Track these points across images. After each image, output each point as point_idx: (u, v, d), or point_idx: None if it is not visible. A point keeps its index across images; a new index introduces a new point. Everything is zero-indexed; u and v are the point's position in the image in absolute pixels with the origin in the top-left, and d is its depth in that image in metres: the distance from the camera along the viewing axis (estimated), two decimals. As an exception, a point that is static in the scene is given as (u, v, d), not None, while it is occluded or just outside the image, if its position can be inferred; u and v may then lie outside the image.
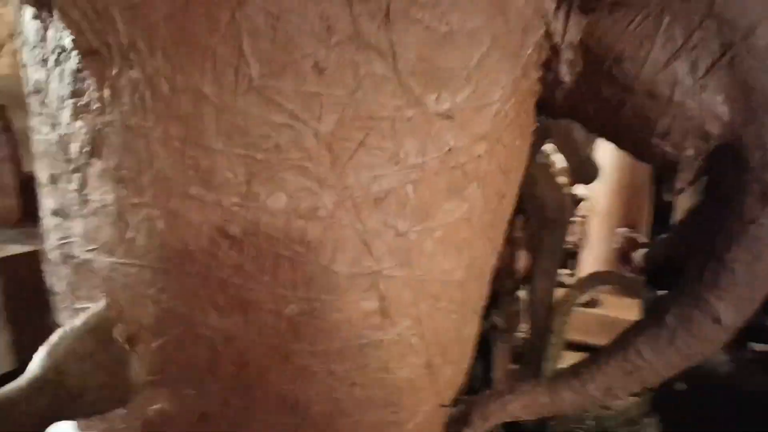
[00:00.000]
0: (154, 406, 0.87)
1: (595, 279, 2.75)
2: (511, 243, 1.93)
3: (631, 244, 3.27)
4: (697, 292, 0.85)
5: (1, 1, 1.84)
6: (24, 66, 0.92)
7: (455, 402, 1.05)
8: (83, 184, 0.84)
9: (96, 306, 0.82)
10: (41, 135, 0.92)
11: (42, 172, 0.95)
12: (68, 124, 0.82)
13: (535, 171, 1.73)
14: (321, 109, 0.71)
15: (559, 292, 2.13)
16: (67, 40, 0.75)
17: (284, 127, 0.71)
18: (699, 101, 0.79)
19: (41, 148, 0.93)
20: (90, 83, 0.77)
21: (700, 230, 0.87)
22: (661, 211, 3.62)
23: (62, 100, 0.82)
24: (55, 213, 0.92)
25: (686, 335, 0.86)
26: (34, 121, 0.93)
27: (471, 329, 1.04)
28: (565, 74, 0.85)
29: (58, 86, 0.82)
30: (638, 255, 2.97)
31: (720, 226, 0.82)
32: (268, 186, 0.74)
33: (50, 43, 0.81)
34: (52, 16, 0.76)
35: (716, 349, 0.89)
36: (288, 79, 0.69)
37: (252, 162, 0.72)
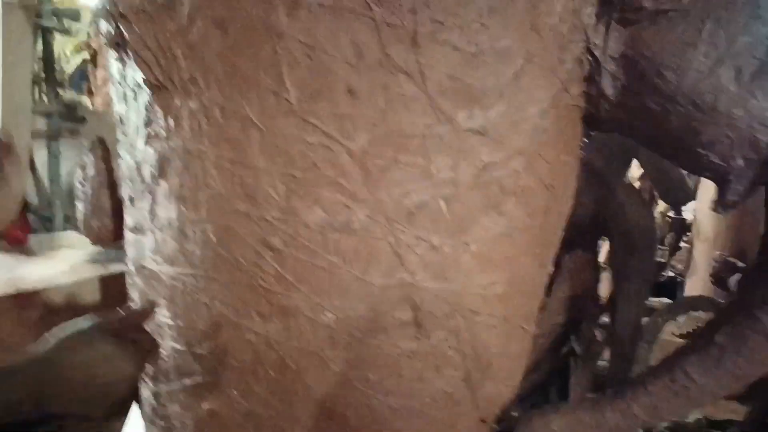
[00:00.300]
0: (206, 406, 0.94)
1: (684, 305, 2.57)
2: (593, 267, 1.87)
3: (728, 268, 3.02)
4: (749, 309, 0.79)
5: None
6: (112, 101, 1.06)
7: (500, 419, 1.04)
8: (153, 203, 0.94)
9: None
10: (123, 161, 1.05)
11: (125, 194, 1.07)
12: (142, 150, 0.94)
13: (622, 193, 1.68)
14: (353, 129, 0.76)
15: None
16: (140, 77, 0.86)
17: (319, 146, 0.77)
18: (746, 109, 0.75)
19: (124, 172, 1.06)
20: (158, 114, 0.87)
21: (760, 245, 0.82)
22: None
23: (137, 129, 0.94)
24: (133, 230, 1.04)
25: (736, 355, 0.80)
26: (119, 149, 1.06)
27: (519, 346, 1.03)
28: (608, 87, 0.84)
29: (135, 117, 0.94)
30: (734, 279, 2.75)
31: None
32: (305, 201, 0.79)
33: (129, 81, 0.93)
34: (129, 56, 0.88)
35: (766, 370, 0.82)
36: (323, 102, 0.75)
37: (291, 179, 0.79)
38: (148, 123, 0.90)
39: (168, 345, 0.97)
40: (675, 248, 3.09)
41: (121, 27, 0.86)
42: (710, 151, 0.79)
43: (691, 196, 1.88)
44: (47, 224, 2.69)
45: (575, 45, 0.81)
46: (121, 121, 1.02)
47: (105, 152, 1.56)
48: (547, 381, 1.94)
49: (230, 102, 0.79)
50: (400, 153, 0.78)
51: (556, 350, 1.92)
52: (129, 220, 1.05)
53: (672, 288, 3.51)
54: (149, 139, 0.91)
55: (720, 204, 0.83)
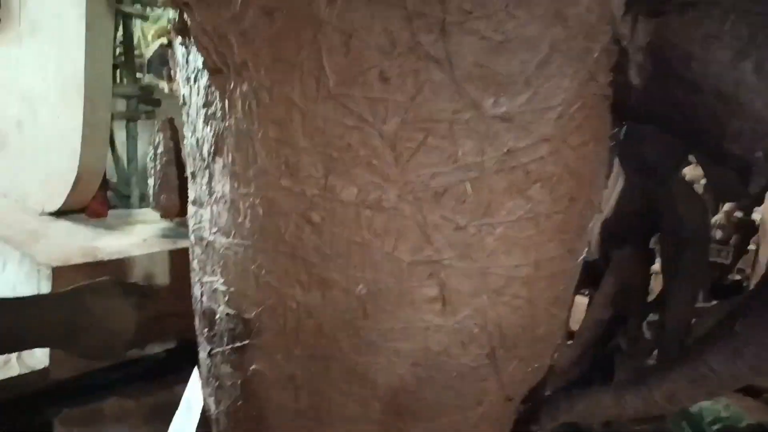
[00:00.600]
0: (253, 367, 1.04)
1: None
2: (644, 263, 1.85)
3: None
4: None
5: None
6: (178, 84, 1.17)
7: (526, 399, 1.07)
8: (210, 178, 1.04)
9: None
10: (187, 139, 1.15)
11: (188, 170, 1.18)
12: (201, 129, 1.03)
13: (675, 188, 1.65)
14: (386, 113, 0.82)
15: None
16: (200, 61, 0.95)
17: (354, 128, 0.83)
18: (766, 102, 0.74)
19: (187, 150, 1.16)
20: (215, 95, 0.96)
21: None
22: None
23: (198, 110, 1.03)
24: (193, 202, 1.15)
25: (756, 345, 0.80)
26: (184, 129, 1.17)
27: (546, 329, 1.06)
28: (635, 77, 0.85)
29: (196, 99, 1.04)
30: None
31: None
32: (342, 179, 0.86)
33: (191, 65, 1.03)
34: (191, 42, 0.97)
35: None
36: (357, 87, 0.81)
37: (329, 159, 0.85)
38: (206, 104, 1.00)
39: (221, 310, 1.07)
40: (741, 250, 2.93)
41: (184, 14, 0.95)
42: (734, 142, 0.79)
43: (744, 192, 1.80)
44: (125, 201, 2.93)
45: (603, 35, 0.83)
46: (184, 102, 1.12)
47: (173, 132, 1.71)
48: (591, 376, 1.93)
49: (276, 85, 0.87)
50: (429, 136, 0.82)
51: (602, 345, 1.90)
52: (191, 194, 1.16)
53: (738, 292, 3.34)
54: (207, 119, 1.00)
55: (743, 195, 0.82)
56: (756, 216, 2.99)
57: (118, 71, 2.95)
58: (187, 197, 1.21)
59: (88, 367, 1.51)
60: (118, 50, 2.68)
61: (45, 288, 1.48)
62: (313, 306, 0.94)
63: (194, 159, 1.11)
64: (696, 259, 1.73)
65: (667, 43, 0.81)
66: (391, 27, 0.78)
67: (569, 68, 0.84)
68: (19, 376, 1.44)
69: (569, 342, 1.99)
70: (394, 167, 0.84)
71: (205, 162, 1.05)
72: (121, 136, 2.73)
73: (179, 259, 1.83)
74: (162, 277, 1.81)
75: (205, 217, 1.09)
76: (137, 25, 3.29)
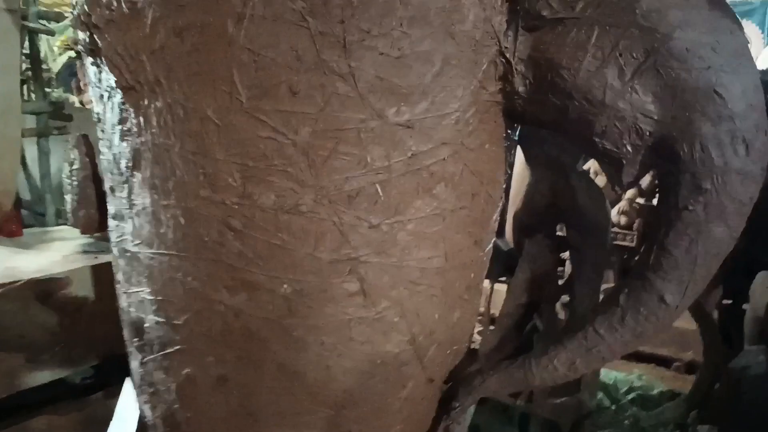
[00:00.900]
0: (184, 371, 1.07)
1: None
2: (552, 251, 2.00)
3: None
4: (645, 274, 0.92)
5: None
6: (90, 102, 1.18)
7: (447, 380, 1.17)
8: (130, 192, 1.06)
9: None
10: (103, 155, 1.16)
11: (106, 185, 1.19)
12: (118, 145, 1.05)
13: (575, 180, 1.80)
14: (297, 124, 0.88)
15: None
16: (113, 80, 0.97)
17: (268, 139, 0.89)
18: (629, 102, 0.87)
19: (104, 165, 1.17)
20: (130, 112, 0.99)
21: (652, 220, 0.94)
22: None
23: (113, 126, 1.05)
24: (114, 216, 1.16)
25: (636, 314, 0.93)
26: (100, 145, 1.18)
27: (461, 314, 1.16)
28: (520, 85, 0.97)
29: (111, 116, 1.06)
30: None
31: (661, 214, 0.90)
32: (259, 187, 0.91)
33: (104, 83, 1.04)
34: (102, 61, 0.99)
35: (663, 328, 0.95)
36: (269, 100, 0.87)
37: (246, 168, 0.90)
38: (122, 121, 1.02)
39: (150, 318, 1.09)
40: (644, 234, 3.19)
41: (94, 35, 0.97)
42: (603, 139, 0.92)
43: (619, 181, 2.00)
44: (40, 219, 2.80)
45: (489, 49, 0.93)
46: (99, 119, 1.13)
47: (89, 148, 1.68)
48: (514, 356, 2.07)
49: (190, 101, 0.91)
50: (339, 144, 0.90)
51: (521, 328, 2.05)
52: (111, 208, 1.17)
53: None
54: (123, 135, 1.02)
55: (617, 184, 0.95)
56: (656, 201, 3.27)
57: (25, 87, 2.82)
58: (107, 212, 1.22)
59: (16, 388, 1.48)
60: (24, 65, 2.57)
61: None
62: (240, 308, 0.99)
63: (112, 174, 1.12)
64: (598, 243, 1.90)
65: (543, 55, 0.92)
66: (296, 45, 0.84)
67: (462, 79, 0.93)
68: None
69: (491, 327, 2.12)
70: (309, 174, 0.90)
71: (124, 176, 1.07)
72: (32, 152, 2.61)
73: (102, 274, 1.80)
74: (86, 291, 1.77)
75: (127, 230, 1.11)
76: (43, 39, 3.14)
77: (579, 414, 1.97)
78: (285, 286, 0.96)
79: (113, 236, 1.18)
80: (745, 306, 2.01)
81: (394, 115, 0.90)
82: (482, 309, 2.46)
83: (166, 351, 1.08)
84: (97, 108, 1.13)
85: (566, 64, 0.90)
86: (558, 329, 2.12)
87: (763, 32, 4.90)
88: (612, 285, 3.30)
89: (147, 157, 0.99)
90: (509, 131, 1.09)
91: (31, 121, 2.62)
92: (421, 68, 0.89)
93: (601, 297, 2.00)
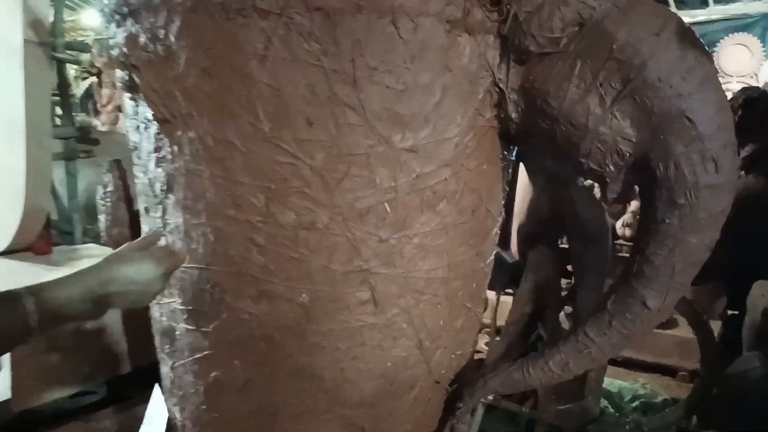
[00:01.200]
0: (212, 375, 1.17)
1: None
2: (555, 260, 2.08)
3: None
4: (629, 282, 1.01)
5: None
6: (127, 131, 1.30)
7: (452, 382, 1.26)
8: (164, 212, 1.17)
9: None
10: (138, 179, 1.28)
11: (140, 206, 1.31)
12: (153, 170, 1.17)
13: (575, 192, 1.89)
14: (313, 150, 0.99)
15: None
16: (149, 113, 1.09)
17: (288, 164, 1.00)
18: (610, 127, 0.97)
19: (139, 188, 1.29)
20: (165, 142, 1.11)
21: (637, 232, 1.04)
22: None
23: (149, 154, 1.17)
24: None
25: (622, 318, 1.02)
26: (135, 170, 1.30)
27: (464, 321, 1.25)
28: (513, 112, 1.07)
29: (147, 144, 1.18)
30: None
31: (643, 226, 0.99)
32: (280, 207, 1.02)
33: (140, 116, 1.17)
34: (140, 97, 1.12)
35: (647, 331, 1.04)
36: (288, 129, 0.98)
37: (268, 190, 1.02)
38: (157, 149, 1.14)
39: (181, 327, 1.20)
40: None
41: (133, 75, 1.09)
42: (588, 159, 1.02)
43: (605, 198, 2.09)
44: (66, 238, 2.94)
45: (484, 80, 1.04)
46: (135, 147, 1.25)
47: (121, 172, 1.82)
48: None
49: (218, 132, 1.02)
50: (351, 167, 1.01)
51: (526, 337, 2.12)
52: (145, 227, 1.29)
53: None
54: (158, 162, 1.14)
55: (603, 200, 1.05)
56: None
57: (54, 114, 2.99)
58: (138, 230, 1.33)
59: (49, 398, 1.59)
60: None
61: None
62: (262, 316, 1.09)
63: (147, 196, 1.24)
64: (599, 253, 1.98)
65: (533, 85, 1.03)
66: (312, 81, 0.96)
67: (460, 107, 1.04)
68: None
69: (497, 338, 2.20)
70: (324, 194, 1.01)
71: (158, 198, 1.18)
72: (58, 174, 2.76)
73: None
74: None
75: (159, 247, 1.22)
76: (68, 67, 3.31)
77: (583, 420, 2.03)
78: (303, 295, 1.07)
79: (146, 252, 1.29)
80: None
81: (400, 141, 1.01)
82: (488, 321, 2.54)
83: (195, 356, 1.19)
84: (133, 137, 1.25)
85: (553, 93, 1.01)
86: (561, 338, 2.20)
87: (763, 45, 4.96)
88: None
89: (180, 181, 1.10)
90: (505, 152, 1.19)
91: (57, 145, 2.77)
92: (423, 98, 1.00)
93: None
